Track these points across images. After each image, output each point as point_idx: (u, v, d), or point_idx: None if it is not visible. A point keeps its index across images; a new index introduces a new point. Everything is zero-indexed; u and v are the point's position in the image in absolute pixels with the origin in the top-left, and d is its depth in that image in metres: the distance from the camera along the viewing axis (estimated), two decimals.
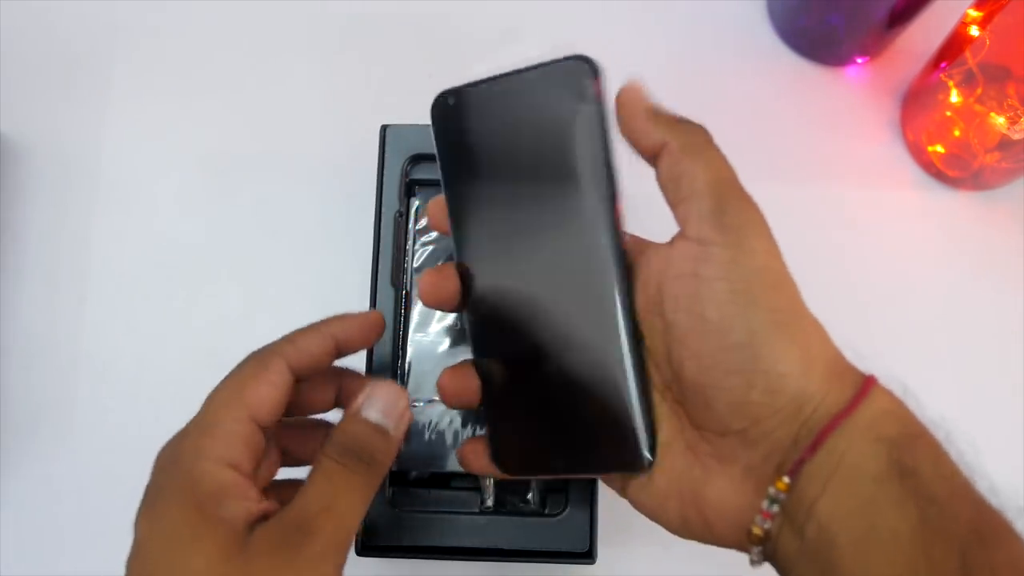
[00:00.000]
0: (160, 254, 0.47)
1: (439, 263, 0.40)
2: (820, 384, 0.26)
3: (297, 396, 0.30)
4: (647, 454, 0.29)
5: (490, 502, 0.37)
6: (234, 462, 0.27)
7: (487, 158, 0.31)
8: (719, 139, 0.53)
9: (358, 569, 0.40)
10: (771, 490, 0.26)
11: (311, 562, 0.25)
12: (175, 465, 0.27)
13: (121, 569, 0.44)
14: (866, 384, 0.27)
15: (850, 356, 0.28)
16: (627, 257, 0.30)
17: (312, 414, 0.33)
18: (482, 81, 0.32)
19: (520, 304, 0.30)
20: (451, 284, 0.31)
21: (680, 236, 0.28)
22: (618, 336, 0.29)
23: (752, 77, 0.50)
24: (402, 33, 0.50)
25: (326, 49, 0.50)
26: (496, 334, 0.31)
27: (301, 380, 0.30)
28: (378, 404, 0.29)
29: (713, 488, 0.28)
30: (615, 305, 0.29)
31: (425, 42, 0.50)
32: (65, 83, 0.49)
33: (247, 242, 0.47)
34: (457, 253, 0.31)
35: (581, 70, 0.31)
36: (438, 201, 0.31)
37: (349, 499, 0.27)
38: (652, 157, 0.29)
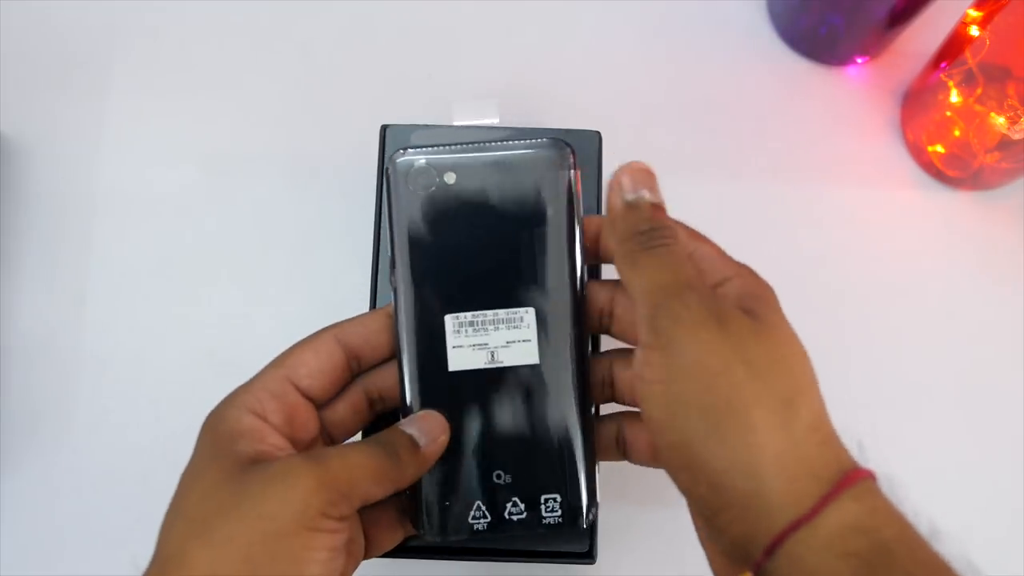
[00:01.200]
0: (160, 254, 0.47)
1: None
2: (775, 482, 0.25)
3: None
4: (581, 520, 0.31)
5: None
6: (258, 411, 0.29)
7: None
8: (719, 139, 0.53)
9: (358, 569, 0.40)
10: None
11: (297, 495, 0.26)
12: (212, 413, 0.30)
13: (122, 569, 0.44)
14: (834, 489, 0.25)
15: (850, 445, 0.27)
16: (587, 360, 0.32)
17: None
18: (449, 147, 0.33)
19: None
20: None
21: (637, 348, 0.29)
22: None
23: (752, 77, 0.50)
24: (402, 33, 0.50)
25: (326, 49, 0.50)
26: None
27: (360, 361, 0.32)
28: (418, 423, 0.31)
29: (712, 553, 0.29)
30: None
31: (425, 42, 0.50)
32: (65, 83, 0.49)
33: (247, 242, 0.47)
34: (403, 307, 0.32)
35: (557, 158, 0.32)
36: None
37: (360, 463, 0.28)
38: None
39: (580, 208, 0.33)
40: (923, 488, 0.44)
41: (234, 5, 0.50)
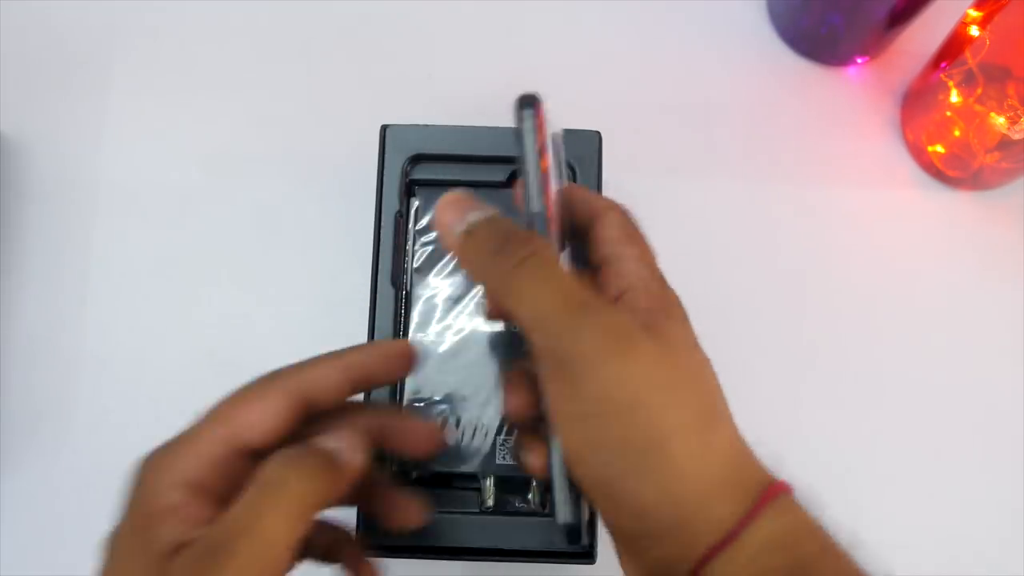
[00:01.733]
0: (160, 254, 0.47)
1: (447, 268, 0.40)
2: (698, 507, 0.25)
3: (314, 428, 0.28)
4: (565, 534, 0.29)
5: (490, 502, 0.37)
6: (195, 481, 0.26)
7: None
8: (719, 139, 0.53)
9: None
10: None
11: None
12: (141, 475, 0.26)
13: None
14: (754, 508, 0.25)
15: (767, 456, 0.27)
16: None
17: None
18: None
19: None
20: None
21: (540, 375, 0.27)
22: None
23: (752, 77, 0.50)
24: (402, 33, 0.50)
25: (326, 49, 0.50)
26: None
27: (312, 409, 0.28)
28: (337, 439, 0.27)
29: (628, 568, 0.28)
30: None
31: (425, 42, 0.50)
32: (65, 83, 0.49)
33: (247, 242, 0.47)
34: None
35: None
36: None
37: (277, 518, 0.24)
38: None
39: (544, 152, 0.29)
40: (924, 487, 0.44)
41: (234, 5, 0.50)
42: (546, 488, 0.38)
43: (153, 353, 0.46)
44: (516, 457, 0.33)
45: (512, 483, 0.38)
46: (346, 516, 0.39)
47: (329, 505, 0.26)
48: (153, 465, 0.26)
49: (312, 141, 0.48)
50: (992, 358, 0.46)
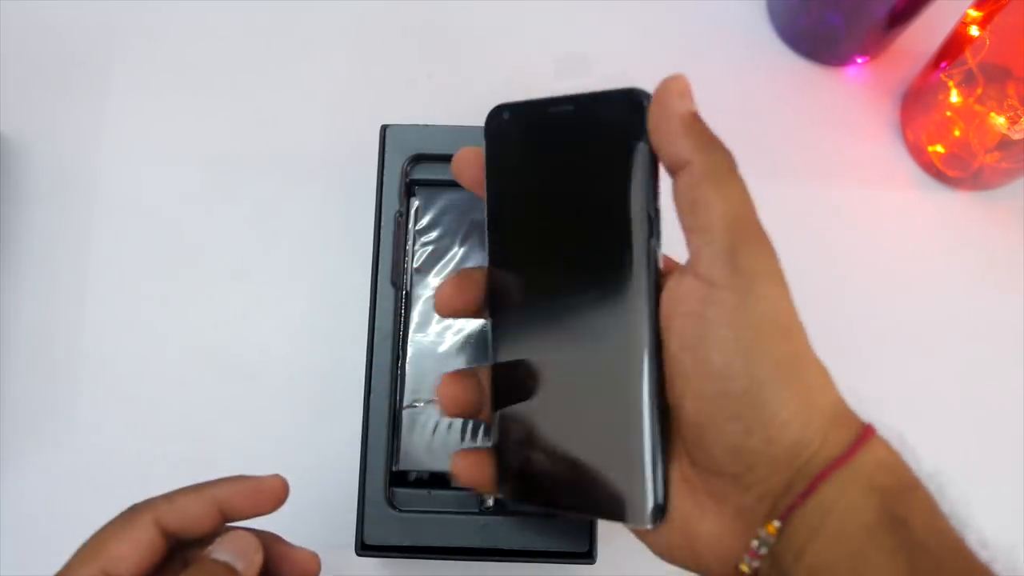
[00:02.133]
0: (160, 254, 0.47)
1: (447, 268, 0.40)
2: (819, 432, 0.26)
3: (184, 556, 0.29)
4: (650, 513, 0.28)
5: (490, 502, 0.37)
6: None
7: (533, 181, 0.30)
8: (721, 139, 0.52)
9: (358, 569, 0.40)
10: (761, 532, 0.26)
11: None
12: None
13: None
14: (864, 433, 0.26)
15: (851, 400, 0.28)
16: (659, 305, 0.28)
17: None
18: (540, 102, 0.30)
19: (548, 332, 0.29)
20: (474, 292, 0.31)
21: (690, 271, 0.27)
22: (641, 390, 0.27)
23: (752, 77, 0.50)
24: (402, 33, 0.50)
25: (326, 49, 0.50)
26: (518, 353, 0.30)
27: (183, 539, 0.29)
28: (229, 547, 0.28)
29: (705, 523, 0.27)
30: (642, 359, 0.27)
31: (425, 42, 0.50)
32: (64, 83, 0.49)
33: (247, 242, 0.47)
34: (492, 260, 0.31)
35: (636, 104, 0.30)
36: (466, 154, 0.31)
37: None
38: (673, 169, 0.28)
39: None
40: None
41: (234, 5, 0.50)
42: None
43: (153, 353, 0.46)
44: (453, 470, 0.32)
45: None
46: (345, 515, 0.39)
47: None
48: None
49: (312, 141, 0.48)
50: (992, 358, 0.46)
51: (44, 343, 0.46)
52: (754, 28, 0.50)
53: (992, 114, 0.43)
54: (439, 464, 0.38)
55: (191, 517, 0.28)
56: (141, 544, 0.28)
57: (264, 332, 0.46)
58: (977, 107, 0.44)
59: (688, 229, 0.27)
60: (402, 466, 0.38)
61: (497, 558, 0.37)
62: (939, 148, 0.47)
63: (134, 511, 0.28)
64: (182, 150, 0.48)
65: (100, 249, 0.47)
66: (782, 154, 0.49)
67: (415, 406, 0.38)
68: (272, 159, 0.48)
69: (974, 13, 0.42)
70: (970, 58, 0.42)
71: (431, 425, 0.38)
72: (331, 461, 0.43)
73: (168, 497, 0.29)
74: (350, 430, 0.39)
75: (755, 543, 0.26)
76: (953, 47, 0.44)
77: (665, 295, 0.28)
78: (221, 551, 0.28)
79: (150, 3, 0.50)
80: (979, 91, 0.43)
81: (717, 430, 0.26)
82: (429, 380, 0.39)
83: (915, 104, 0.48)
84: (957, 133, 0.46)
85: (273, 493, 0.30)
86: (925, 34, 0.47)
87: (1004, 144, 0.44)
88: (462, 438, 0.38)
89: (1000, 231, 0.48)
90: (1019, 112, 0.42)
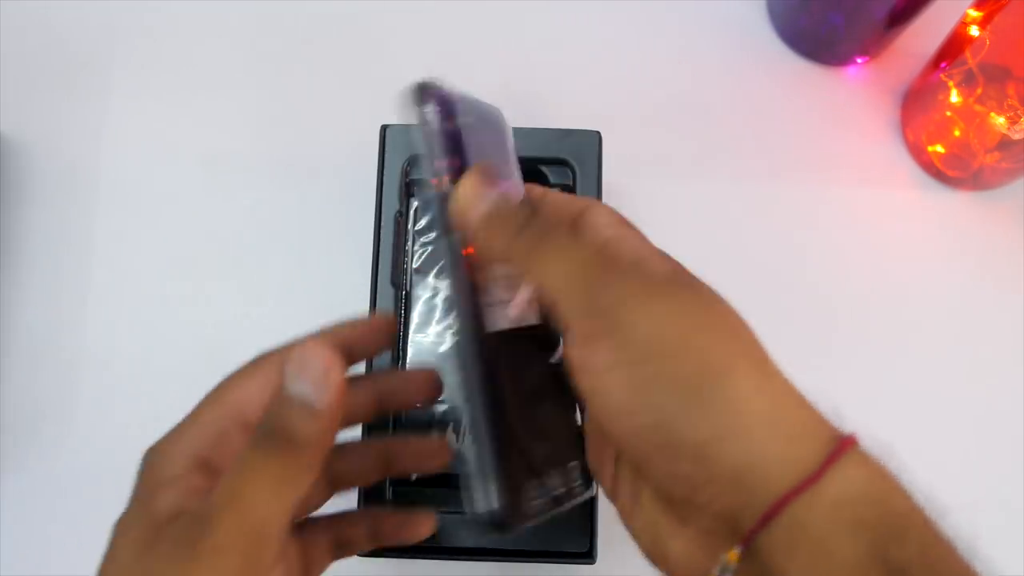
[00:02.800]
0: (160, 254, 0.47)
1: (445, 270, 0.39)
2: (769, 446, 0.23)
3: None
4: (487, 516, 0.27)
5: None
6: (197, 456, 0.27)
7: None
8: (719, 139, 0.53)
9: (358, 569, 0.40)
10: (722, 557, 0.24)
11: (207, 556, 0.24)
12: (148, 456, 0.28)
13: None
14: (838, 448, 0.23)
15: (829, 411, 0.25)
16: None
17: (348, 426, 0.31)
18: None
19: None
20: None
21: (567, 343, 0.26)
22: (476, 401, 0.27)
23: (752, 77, 0.50)
24: (402, 33, 0.50)
25: (326, 48, 0.50)
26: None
27: None
28: (301, 375, 0.26)
29: (675, 543, 0.26)
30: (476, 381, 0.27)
31: (425, 42, 0.50)
32: (65, 83, 0.49)
33: (247, 242, 0.47)
34: None
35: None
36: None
37: (259, 487, 0.25)
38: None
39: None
40: (921, 489, 0.44)
41: (233, 5, 0.50)
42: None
43: (153, 353, 0.46)
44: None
45: None
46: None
47: (311, 469, 0.26)
48: (159, 445, 0.27)
49: (312, 141, 0.48)
50: (992, 358, 0.46)
51: (45, 343, 0.46)
52: (754, 28, 0.50)
53: (992, 114, 0.43)
54: None
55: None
56: (264, 385, 0.27)
57: (264, 332, 0.46)
58: (977, 107, 0.44)
59: (556, 319, 0.26)
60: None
61: (497, 558, 0.37)
62: (939, 148, 0.47)
63: (261, 356, 0.29)
64: (183, 150, 0.48)
65: (101, 249, 0.47)
66: (782, 154, 0.49)
67: (416, 407, 0.38)
68: (272, 159, 0.48)
69: (974, 13, 0.42)
70: (970, 58, 0.42)
71: (433, 425, 0.38)
72: None
73: (289, 343, 0.29)
74: (350, 430, 0.39)
75: (717, 569, 0.24)
76: (953, 47, 0.44)
77: (566, 370, 0.26)
78: (294, 381, 0.26)
79: (151, 3, 0.50)
80: (979, 91, 0.43)
81: (650, 462, 0.25)
82: None
83: (915, 104, 0.48)
84: (957, 133, 0.46)
85: (386, 328, 0.31)
86: (925, 34, 0.47)
87: (1004, 144, 0.44)
88: (459, 438, 0.38)
89: (1000, 231, 0.48)
90: (1019, 112, 0.42)
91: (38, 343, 0.46)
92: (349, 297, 0.45)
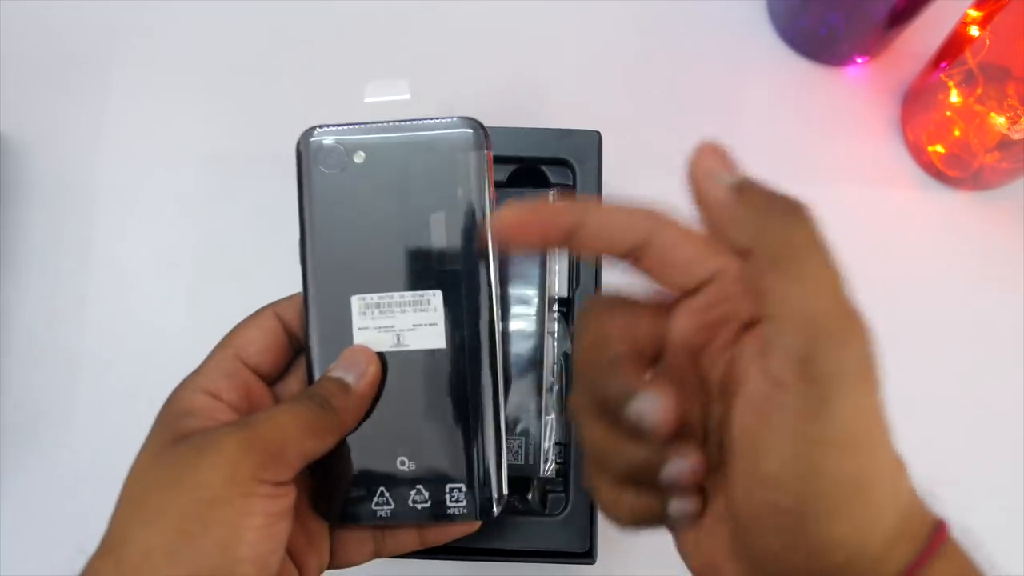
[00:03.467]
0: (160, 254, 0.47)
1: None
2: (879, 547, 0.22)
3: None
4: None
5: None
6: (212, 390, 0.30)
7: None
8: (719, 139, 0.52)
9: (358, 570, 0.40)
10: None
11: (226, 461, 0.26)
12: (171, 395, 0.30)
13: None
14: (928, 548, 0.23)
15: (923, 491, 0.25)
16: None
17: None
18: (361, 127, 0.32)
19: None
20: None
21: (759, 359, 0.23)
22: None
23: (752, 77, 0.50)
24: (402, 33, 0.50)
25: (325, 48, 0.50)
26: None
27: (297, 335, 0.32)
28: (343, 363, 0.31)
29: None
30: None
31: (425, 41, 0.50)
32: (64, 83, 0.49)
33: (247, 242, 0.47)
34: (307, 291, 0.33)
35: (467, 138, 0.32)
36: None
37: (289, 421, 0.28)
38: (738, 255, 0.24)
39: (490, 190, 0.32)
40: (923, 488, 0.44)
41: (232, 5, 0.50)
42: (547, 489, 0.38)
43: (153, 353, 0.46)
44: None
45: (512, 483, 0.38)
46: None
47: (336, 431, 0.30)
48: (182, 384, 0.30)
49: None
50: (992, 358, 0.46)
51: (45, 343, 0.46)
52: (754, 28, 0.50)
53: (992, 114, 0.43)
54: None
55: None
56: (267, 330, 0.31)
57: None
58: (977, 107, 0.44)
59: (758, 315, 0.23)
60: None
61: (497, 558, 0.37)
62: (939, 148, 0.47)
63: (260, 310, 0.32)
64: (182, 150, 0.48)
65: (101, 249, 0.47)
66: (782, 154, 0.49)
67: None
68: (272, 159, 0.48)
69: (974, 13, 0.42)
70: (970, 58, 0.42)
71: None
72: None
73: (286, 297, 0.33)
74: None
75: None
76: (953, 47, 0.44)
77: (734, 369, 0.24)
78: (336, 368, 0.31)
79: (150, 3, 0.50)
80: (979, 91, 0.43)
81: (760, 535, 0.23)
82: None
83: (915, 104, 0.48)
84: (957, 133, 0.46)
85: None
86: (925, 34, 0.47)
87: (1004, 144, 0.44)
88: None
89: (1000, 231, 0.48)
90: (1019, 112, 0.42)
91: (37, 343, 0.46)
92: None
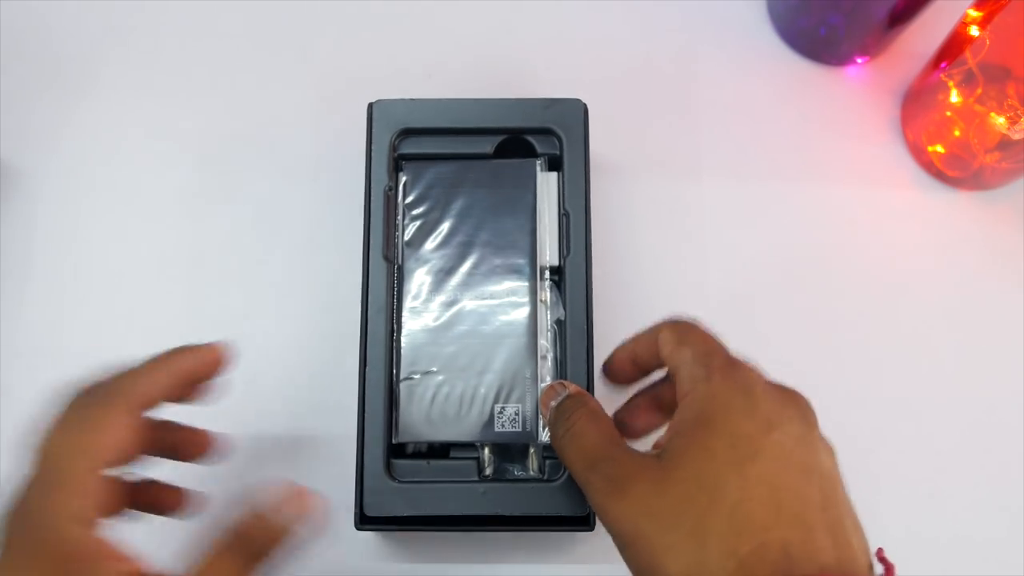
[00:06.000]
0: (160, 254, 0.47)
1: (436, 240, 0.41)
2: None
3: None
4: None
5: (489, 471, 0.38)
6: (95, 518, 0.26)
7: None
8: (719, 139, 0.53)
9: (359, 541, 0.41)
10: None
11: None
12: (29, 523, 0.26)
13: None
14: None
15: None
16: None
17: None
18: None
19: None
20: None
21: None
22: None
23: (752, 77, 0.50)
24: (386, 7, 0.50)
25: (325, 48, 0.50)
26: None
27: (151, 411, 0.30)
28: (277, 499, 0.28)
29: None
30: None
31: (425, 40, 0.50)
32: (60, 83, 0.49)
33: (246, 242, 0.47)
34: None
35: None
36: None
37: None
38: None
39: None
40: (923, 488, 0.44)
41: (232, 5, 0.50)
42: (545, 455, 0.38)
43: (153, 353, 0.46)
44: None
45: (510, 451, 0.38)
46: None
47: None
48: (45, 510, 0.26)
49: (311, 141, 0.48)
50: (992, 358, 0.46)
51: (44, 343, 0.46)
52: (754, 28, 0.50)
53: (992, 114, 0.43)
54: (439, 434, 0.38)
55: (157, 394, 0.30)
56: (125, 430, 0.28)
57: (264, 332, 0.46)
58: (977, 107, 0.44)
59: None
60: (402, 438, 0.38)
61: (496, 526, 0.37)
62: (939, 148, 0.47)
63: (104, 397, 0.28)
64: (182, 150, 0.48)
65: (100, 249, 0.47)
66: (782, 154, 0.49)
67: (412, 379, 0.38)
68: (271, 159, 0.48)
69: (974, 13, 0.42)
70: (970, 58, 0.43)
71: (429, 396, 0.38)
72: (331, 456, 0.43)
73: (130, 377, 0.29)
74: (352, 428, 0.39)
75: None
76: (953, 47, 0.44)
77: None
78: (274, 508, 0.28)
79: (148, 3, 0.50)
80: (979, 91, 0.43)
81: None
82: (425, 351, 0.39)
83: (915, 104, 0.48)
84: (957, 133, 0.46)
85: (220, 357, 0.33)
86: (925, 34, 0.47)
87: (1004, 144, 0.44)
88: (459, 409, 0.38)
89: (1000, 231, 0.48)
90: (1019, 112, 0.42)
91: (37, 343, 0.46)
92: (349, 297, 0.45)
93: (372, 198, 0.40)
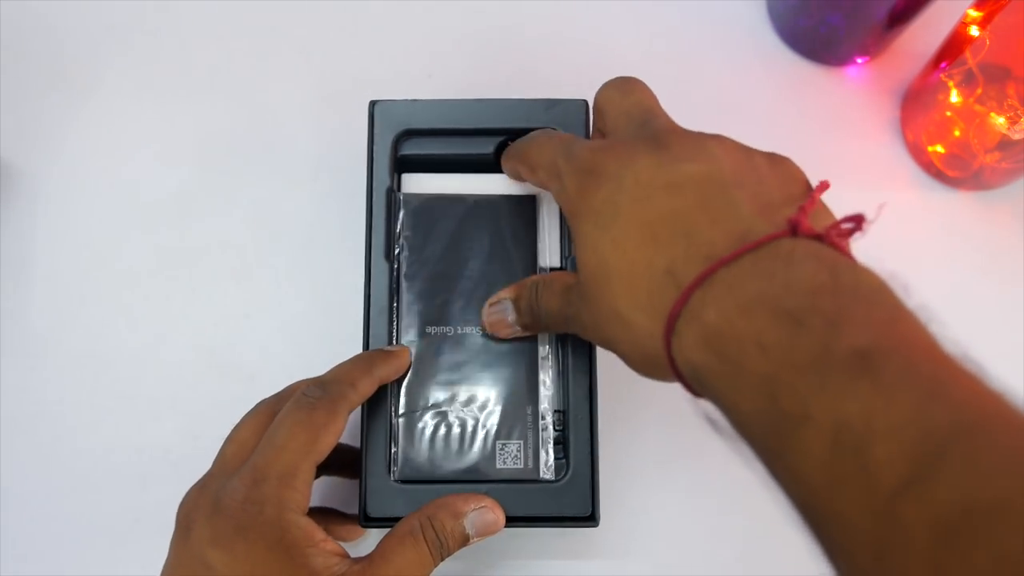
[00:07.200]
0: (159, 254, 0.47)
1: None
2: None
3: None
4: None
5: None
6: (305, 508, 0.31)
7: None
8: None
9: (364, 542, 0.41)
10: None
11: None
12: (259, 510, 0.30)
13: (120, 568, 0.44)
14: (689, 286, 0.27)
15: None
16: None
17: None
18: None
19: None
20: None
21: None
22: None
23: (752, 77, 0.50)
24: (397, 28, 0.50)
25: (324, 47, 0.50)
26: None
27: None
28: (476, 520, 0.34)
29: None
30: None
31: (426, 40, 0.50)
32: (61, 83, 0.49)
33: (247, 242, 0.47)
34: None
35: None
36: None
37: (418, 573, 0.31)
38: None
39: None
40: None
41: (231, 5, 0.50)
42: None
43: (153, 353, 0.46)
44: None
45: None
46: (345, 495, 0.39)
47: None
48: (274, 501, 0.30)
49: (311, 140, 0.48)
50: (992, 358, 0.46)
51: (44, 343, 0.46)
52: (754, 28, 0.50)
53: (992, 114, 0.43)
54: (439, 472, 0.38)
55: (366, 393, 0.34)
56: (339, 435, 0.33)
57: (264, 332, 0.46)
58: (977, 107, 0.44)
59: None
60: (404, 475, 0.38)
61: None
62: (939, 148, 0.47)
63: (333, 402, 0.32)
64: (181, 150, 0.48)
65: (100, 249, 0.47)
66: (782, 154, 0.49)
67: (411, 414, 0.38)
68: (271, 159, 0.48)
69: (974, 13, 0.42)
70: (970, 58, 0.43)
71: (428, 433, 0.38)
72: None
73: (351, 384, 0.33)
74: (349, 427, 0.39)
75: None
76: (953, 47, 0.44)
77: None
78: (470, 522, 0.34)
79: (147, 3, 0.50)
80: (979, 91, 0.43)
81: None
82: (424, 386, 0.38)
83: (915, 104, 0.48)
84: (957, 133, 0.46)
85: (408, 363, 0.37)
86: (925, 34, 0.47)
87: (1004, 144, 0.44)
88: (461, 445, 0.38)
89: (1000, 231, 0.48)
90: (1019, 112, 0.42)
91: (37, 343, 0.46)
92: (349, 297, 0.45)
93: (374, 199, 0.40)
